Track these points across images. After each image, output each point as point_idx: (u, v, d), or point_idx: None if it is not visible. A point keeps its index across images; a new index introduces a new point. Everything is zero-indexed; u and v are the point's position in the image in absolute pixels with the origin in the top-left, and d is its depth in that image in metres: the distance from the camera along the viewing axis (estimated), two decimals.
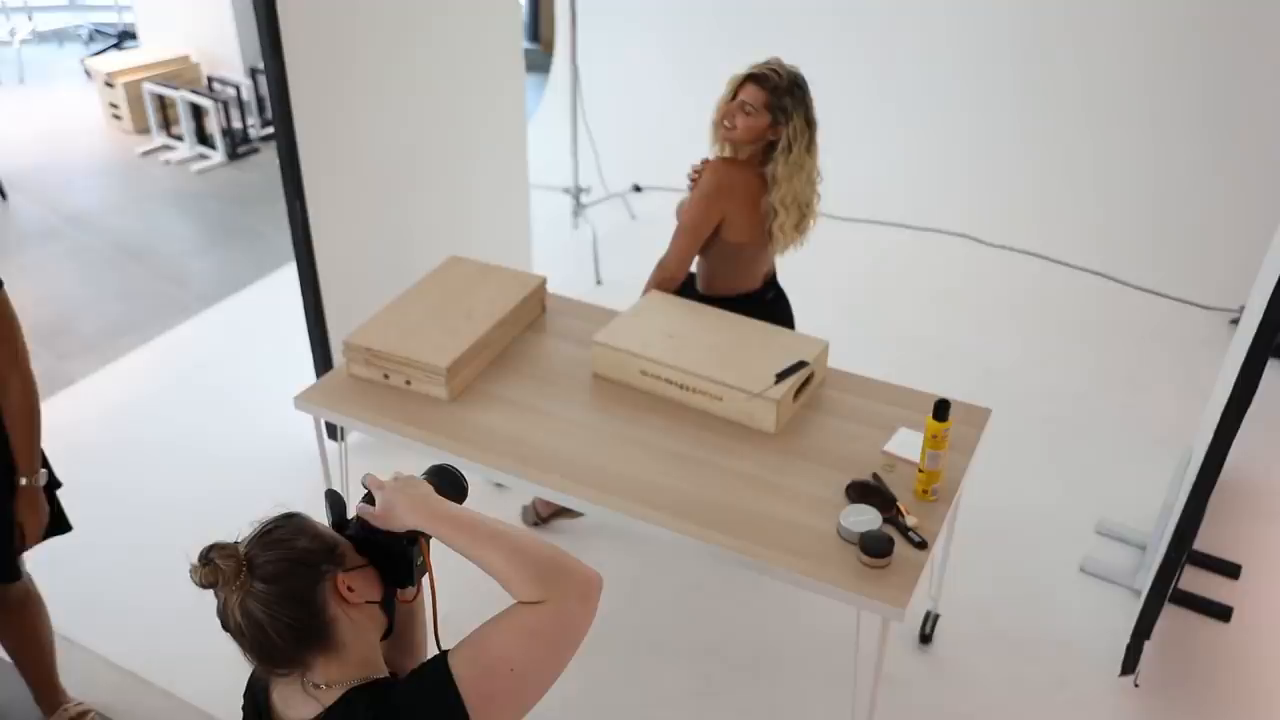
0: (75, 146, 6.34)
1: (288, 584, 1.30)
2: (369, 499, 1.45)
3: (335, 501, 1.47)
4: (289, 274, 3.97)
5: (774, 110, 2.78)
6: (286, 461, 3.56)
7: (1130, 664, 2.83)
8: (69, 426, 3.75)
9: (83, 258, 5.11)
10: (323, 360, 3.52)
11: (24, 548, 2.36)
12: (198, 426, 3.88)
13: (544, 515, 3.31)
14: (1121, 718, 2.80)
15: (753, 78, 2.80)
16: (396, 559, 1.43)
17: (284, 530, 1.35)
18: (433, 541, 1.44)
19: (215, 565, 1.29)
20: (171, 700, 2.83)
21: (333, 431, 2.96)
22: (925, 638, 2.99)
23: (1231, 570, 3.22)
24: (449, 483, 1.51)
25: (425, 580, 1.48)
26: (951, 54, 5.15)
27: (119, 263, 5.07)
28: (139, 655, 2.94)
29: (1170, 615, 3.00)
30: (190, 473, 3.63)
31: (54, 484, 2.39)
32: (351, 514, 1.46)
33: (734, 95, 2.83)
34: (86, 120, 6.65)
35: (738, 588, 3.18)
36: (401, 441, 2.62)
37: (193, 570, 1.30)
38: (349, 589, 1.35)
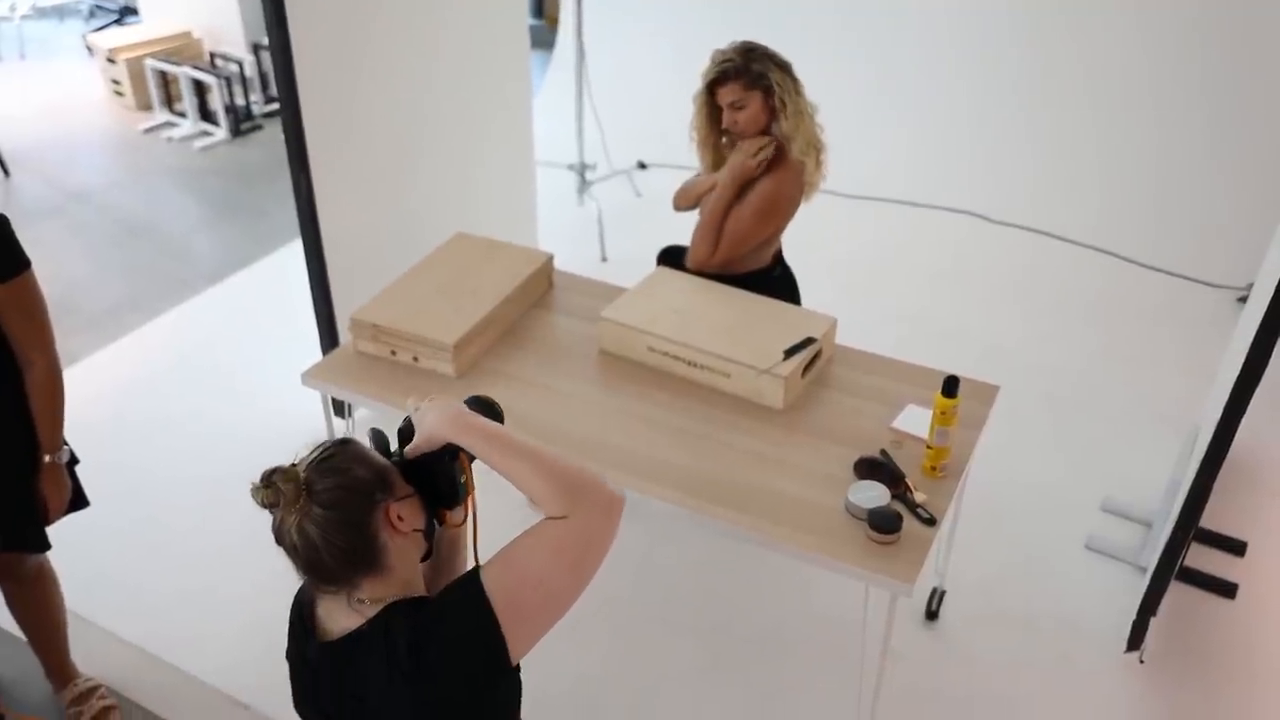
0: (78, 123, 6.32)
1: (344, 511, 1.36)
2: (406, 437, 1.51)
3: (379, 439, 1.53)
4: (293, 251, 3.96)
5: (755, 82, 2.76)
6: (293, 438, 3.49)
7: (1136, 640, 2.84)
8: (73, 404, 3.72)
9: (86, 235, 5.10)
10: (329, 337, 3.51)
11: (47, 522, 2.39)
12: (203, 404, 3.88)
13: None
14: (1127, 694, 2.81)
15: (715, 82, 2.80)
16: (440, 478, 1.49)
17: (340, 458, 1.41)
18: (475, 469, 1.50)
19: (277, 488, 1.35)
20: (179, 675, 2.83)
21: (340, 408, 2.96)
22: (932, 614, 2.99)
23: (1237, 547, 3.22)
24: (485, 411, 1.58)
25: (470, 503, 1.54)
26: (955, 30, 5.11)
27: (122, 240, 5.06)
28: (147, 631, 2.95)
29: (1176, 592, 3.01)
30: (196, 450, 3.64)
31: (73, 460, 2.42)
32: (394, 447, 1.53)
33: (710, 108, 2.85)
34: (88, 96, 6.62)
35: (745, 564, 3.19)
36: None
37: (254, 490, 1.35)
38: (399, 518, 1.41)
